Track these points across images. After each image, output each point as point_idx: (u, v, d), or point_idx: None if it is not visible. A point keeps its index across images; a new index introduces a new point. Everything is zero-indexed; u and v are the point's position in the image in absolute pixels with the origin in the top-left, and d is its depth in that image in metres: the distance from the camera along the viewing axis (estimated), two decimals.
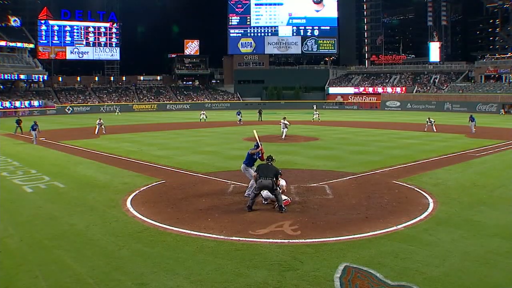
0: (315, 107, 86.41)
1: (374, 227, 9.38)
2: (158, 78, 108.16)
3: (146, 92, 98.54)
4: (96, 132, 33.47)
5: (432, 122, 34.53)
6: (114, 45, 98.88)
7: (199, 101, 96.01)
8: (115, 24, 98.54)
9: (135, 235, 9.15)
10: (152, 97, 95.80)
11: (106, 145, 25.89)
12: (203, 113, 50.51)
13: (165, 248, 8.38)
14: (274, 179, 10.90)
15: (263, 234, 9.03)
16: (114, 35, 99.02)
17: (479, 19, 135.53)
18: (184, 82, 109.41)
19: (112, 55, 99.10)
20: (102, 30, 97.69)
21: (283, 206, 10.76)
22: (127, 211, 10.99)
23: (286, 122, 29.43)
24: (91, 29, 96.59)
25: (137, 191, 13.12)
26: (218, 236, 8.92)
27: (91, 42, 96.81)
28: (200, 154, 21.31)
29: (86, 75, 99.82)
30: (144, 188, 13.64)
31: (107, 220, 10.20)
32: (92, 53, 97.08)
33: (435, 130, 33.44)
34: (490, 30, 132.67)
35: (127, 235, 9.16)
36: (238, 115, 45.96)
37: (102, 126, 34.53)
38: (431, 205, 11.25)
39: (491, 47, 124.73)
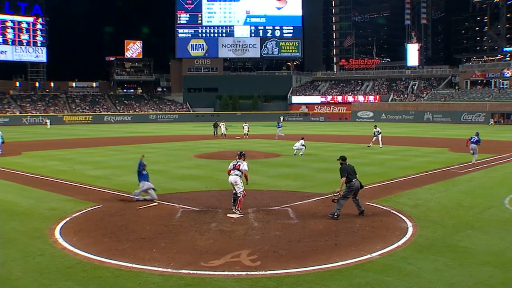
0: (281, 119, 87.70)
1: (345, 256, 9.50)
2: (94, 85, 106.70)
3: (79, 101, 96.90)
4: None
5: (379, 133, 33.67)
6: (39, 45, 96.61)
7: (143, 112, 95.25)
8: (40, 19, 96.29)
9: (65, 271, 8.91)
10: (87, 107, 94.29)
11: (30, 164, 25.21)
12: (223, 124, 47.13)
13: (101, 285, 8.21)
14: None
15: (217, 265, 8.99)
16: (39, 32, 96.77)
17: (465, 17, 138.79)
18: (125, 90, 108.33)
19: (37, 56, 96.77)
20: (24, 25, 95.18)
21: (362, 208, 12.86)
22: (55, 242, 10.72)
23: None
24: (9, 24, 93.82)
25: (68, 218, 12.86)
26: (165, 270, 8.82)
27: (9, 40, 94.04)
28: None
29: (4, 79, 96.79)
30: (77, 214, 13.38)
31: (29, 255, 9.88)
32: (11, 53, 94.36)
33: (380, 146, 32.67)
34: (477, 29, 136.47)
35: (55, 271, 8.90)
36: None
37: None
38: (410, 230, 11.47)
39: (478, 48, 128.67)
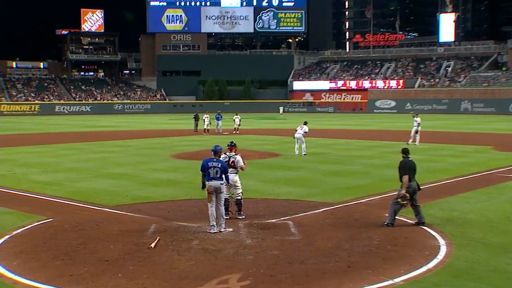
0: (281, 110, 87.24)
1: (360, 281, 9.50)
2: (42, 65, 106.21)
3: (22, 86, 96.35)
4: None
5: (418, 123, 33.76)
6: None
7: (106, 101, 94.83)
8: None
9: None
10: (33, 94, 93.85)
11: None
12: (207, 117, 46.13)
13: None
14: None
15: None
16: None
17: None
18: (82, 73, 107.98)
19: None
20: None
21: (423, 219, 13.27)
22: None
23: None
24: None
25: (7, 237, 12.75)
26: None
27: None
28: (106, 179, 21.13)
29: None
30: (19, 231, 13.28)
31: None
32: None
33: (409, 142, 32.70)
34: None
35: None
36: None
37: None
38: (444, 249, 11.45)
39: None
